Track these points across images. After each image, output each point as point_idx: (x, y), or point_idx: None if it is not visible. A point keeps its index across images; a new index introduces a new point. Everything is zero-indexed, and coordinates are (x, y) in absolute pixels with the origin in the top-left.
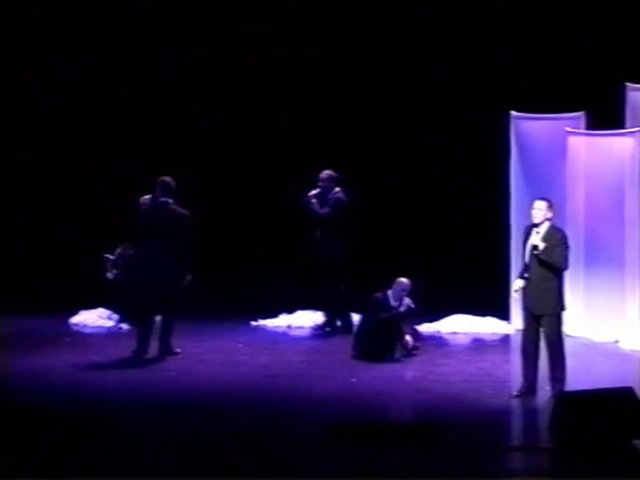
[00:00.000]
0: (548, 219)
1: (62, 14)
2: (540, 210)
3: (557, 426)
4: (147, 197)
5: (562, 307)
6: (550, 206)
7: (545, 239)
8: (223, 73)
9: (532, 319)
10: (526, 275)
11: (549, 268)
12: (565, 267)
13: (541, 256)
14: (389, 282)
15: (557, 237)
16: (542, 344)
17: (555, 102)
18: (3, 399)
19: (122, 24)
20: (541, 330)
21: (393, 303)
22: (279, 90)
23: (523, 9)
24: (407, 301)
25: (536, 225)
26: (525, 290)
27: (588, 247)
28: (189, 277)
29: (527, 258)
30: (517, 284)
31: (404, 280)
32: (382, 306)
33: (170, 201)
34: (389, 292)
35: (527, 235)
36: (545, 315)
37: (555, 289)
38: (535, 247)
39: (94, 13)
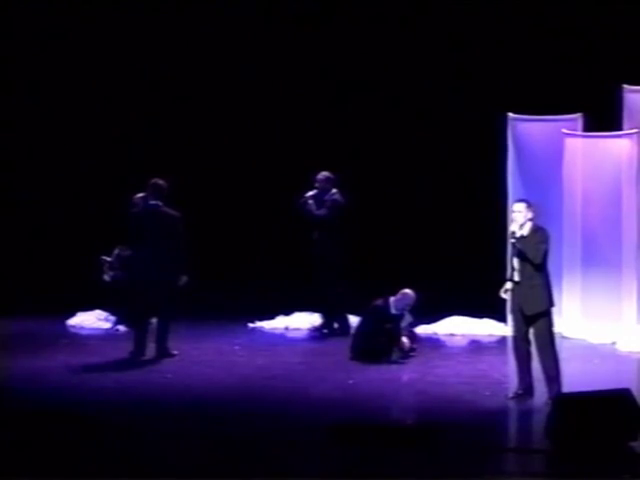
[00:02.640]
0: (530, 219)
1: (59, 13)
2: (520, 212)
3: (554, 428)
4: (140, 196)
5: (551, 303)
6: (529, 206)
7: (529, 236)
8: (221, 74)
9: (522, 321)
10: (515, 279)
11: (530, 264)
12: (538, 262)
13: (517, 244)
14: (386, 284)
15: (539, 234)
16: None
17: (552, 104)
18: (1, 401)
19: (119, 25)
20: (532, 332)
21: (394, 312)
22: (277, 91)
23: (521, 11)
24: (409, 318)
25: (519, 226)
26: (514, 292)
27: (585, 249)
28: (184, 278)
29: (514, 260)
30: (505, 286)
31: (411, 294)
32: (383, 314)
33: (160, 204)
34: (391, 300)
35: (513, 234)
36: (536, 314)
37: (542, 286)
38: (512, 233)
39: (91, 12)
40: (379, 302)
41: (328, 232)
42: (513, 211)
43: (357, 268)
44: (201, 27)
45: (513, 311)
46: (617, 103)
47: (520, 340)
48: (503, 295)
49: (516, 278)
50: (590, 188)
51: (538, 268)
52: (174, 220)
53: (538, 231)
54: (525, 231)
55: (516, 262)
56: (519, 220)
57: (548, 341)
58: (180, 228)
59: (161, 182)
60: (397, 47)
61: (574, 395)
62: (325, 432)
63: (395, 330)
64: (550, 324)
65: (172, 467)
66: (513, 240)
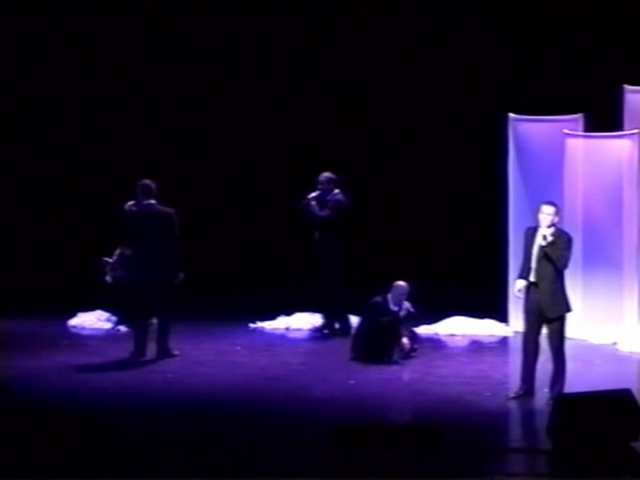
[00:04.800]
0: (554, 224)
1: (57, 13)
2: (549, 215)
3: (555, 428)
4: (131, 203)
5: (569, 308)
6: (557, 212)
7: (555, 241)
8: (221, 75)
9: (536, 321)
10: (531, 279)
11: (553, 268)
12: (564, 267)
13: (547, 249)
14: (388, 284)
15: (564, 240)
16: (543, 346)
17: (553, 104)
18: (2, 401)
19: (115, 23)
20: (547, 332)
21: (393, 307)
22: (278, 91)
23: (521, 11)
24: (406, 305)
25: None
26: (531, 293)
27: (586, 249)
28: (181, 275)
29: (534, 261)
30: (519, 284)
31: (402, 284)
32: (382, 310)
33: (153, 202)
34: (389, 296)
35: (531, 238)
36: (556, 317)
37: (563, 290)
38: (544, 237)
39: (86, 12)
40: (378, 299)
41: (330, 232)
42: (541, 212)
43: (358, 268)
44: (202, 27)
45: (528, 311)
46: (618, 103)
47: (531, 340)
48: (517, 293)
49: (532, 279)
50: (591, 188)
51: (560, 273)
52: (169, 217)
53: (562, 236)
54: (549, 236)
55: (536, 264)
56: (545, 223)
57: (560, 343)
58: (175, 224)
59: (148, 182)
60: (398, 48)
61: (575, 395)
62: (326, 432)
63: (394, 324)
64: (564, 327)
65: (172, 467)
66: (544, 244)
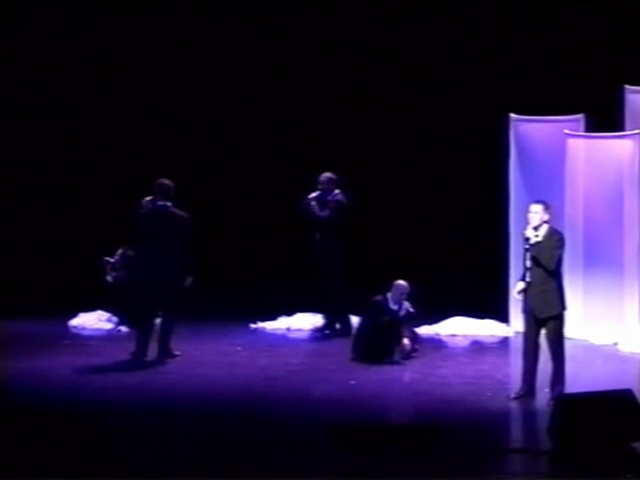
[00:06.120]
0: (545, 221)
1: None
2: (537, 213)
3: (556, 428)
4: (148, 199)
5: (563, 307)
6: (546, 208)
7: (544, 241)
8: (222, 75)
9: (534, 322)
10: (527, 279)
11: (543, 269)
12: (552, 268)
13: (531, 251)
14: (388, 285)
15: (555, 239)
16: (543, 346)
17: (554, 105)
18: (2, 401)
19: (119, 23)
20: (543, 332)
21: (393, 306)
22: (278, 91)
23: (522, 11)
24: (406, 305)
25: (534, 228)
26: (527, 293)
27: (587, 250)
28: (189, 279)
29: (527, 261)
30: (519, 286)
31: (402, 283)
32: (382, 309)
33: (169, 204)
34: (389, 295)
35: (528, 240)
36: (549, 317)
37: (555, 290)
38: (527, 239)
39: (91, 10)
40: (377, 298)
41: (331, 233)
42: (529, 212)
43: (359, 269)
44: (204, 29)
45: (525, 312)
46: (619, 104)
47: (530, 341)
48: (516, 295)
49: (528, 279)
50: (592, 189)
51: (551, 273)
52: (182, 220)
53: (554, 235)
54: (540, 234)
55: (529, 264)
56: (534, 221)
57: (558, 343)
58: (188, 228)
59: (167, 182)
60: (398, 48)
61: (576, 396)
62: (326, 432)
63: (395, 324)
64: (561, 327)
65: (172, 467)
66: (527, 246)
